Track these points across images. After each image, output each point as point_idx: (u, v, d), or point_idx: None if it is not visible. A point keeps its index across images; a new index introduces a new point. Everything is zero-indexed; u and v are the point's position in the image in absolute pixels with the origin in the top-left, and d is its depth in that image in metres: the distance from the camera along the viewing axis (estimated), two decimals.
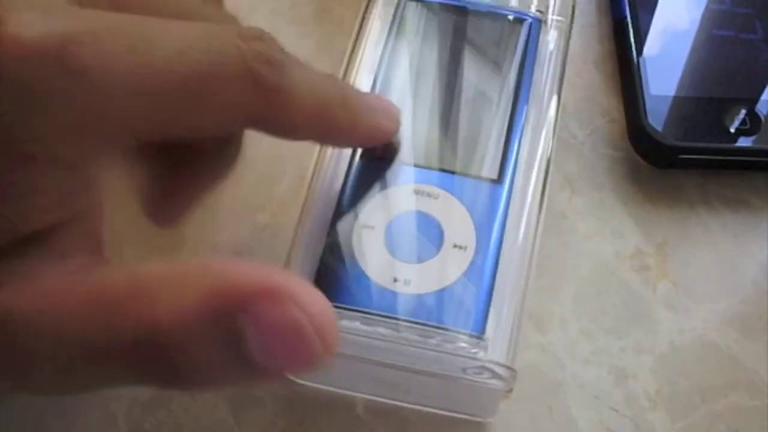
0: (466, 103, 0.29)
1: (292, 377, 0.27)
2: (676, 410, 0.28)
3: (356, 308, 0.25)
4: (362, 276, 0.25)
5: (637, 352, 0.29)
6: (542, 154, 0.28)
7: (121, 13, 0.19)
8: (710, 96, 0.33)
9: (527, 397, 0.28)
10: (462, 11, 0.31)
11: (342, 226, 0.26)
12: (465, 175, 0.27)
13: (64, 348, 0.18)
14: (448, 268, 0.25)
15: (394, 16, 0.31)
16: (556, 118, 0.29)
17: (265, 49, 0.20)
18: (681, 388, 0.28)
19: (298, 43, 0.36)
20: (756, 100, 0.33)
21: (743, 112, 0.32)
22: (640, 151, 0.33)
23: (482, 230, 0.26)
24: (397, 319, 0.24)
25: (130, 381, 0.19)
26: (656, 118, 0.32)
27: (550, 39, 0.31)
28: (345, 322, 0.24)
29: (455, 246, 0.26)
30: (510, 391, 0.24)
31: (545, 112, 0.29)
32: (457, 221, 0.26)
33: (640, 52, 0.34)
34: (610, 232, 0.32)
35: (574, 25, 0.32)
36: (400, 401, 0.27)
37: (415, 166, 0.27)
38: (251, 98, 0.20)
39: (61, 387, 0.20)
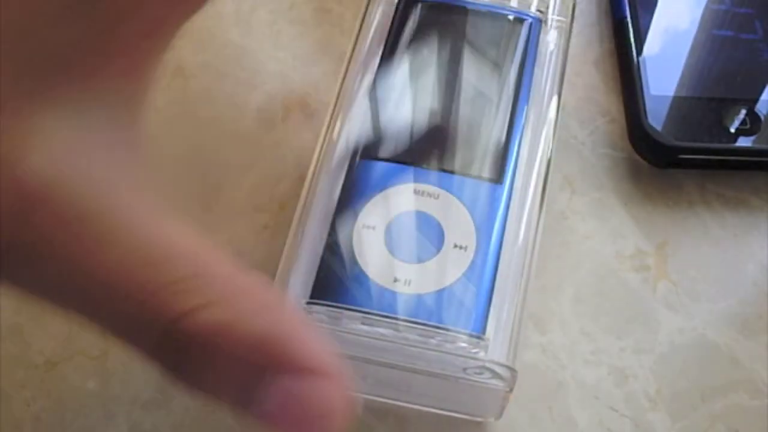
0: (466, 103, 0.29)
1: None
2: (676, 410, 0.28)
3: (356, 308, 0.25)
4: (362, 276, 0.25)
5: (637, 352, 0.29)
6: (542, 154, 0.28)
7: None
8: (710, 96, 0.33)
9: (527, 397, 0.28)
10: (462, 11, 0.31)
11: (342, 226, 0.26)
12: (465, 175, 0.27)
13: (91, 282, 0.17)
14: (449, 268, 0.25)
15: (394, 16, 0.31)
16: (556, 118, 0.29)
17: None
18: (681, 388, 0.28)
19: (298, 43, 0.36)
20: (756, 100, 0.33)
21: (743, 112, 0.32)
22: (640, 151, 0.33)
23: (482, 230, 0.26)
24: (397, 319, 0.24)
25: (131, 336, 0.18)
26: (656, 118, 0.32)
27: (550, 39, 0.31)
28: (345, 322, 0.24)
29: (455, 246, 0.26)
30: (510, 391, 0.25)
31: (545, 112, 0.29)
32: (458, 221, 0.26)
33: (640, 52, 0.34)
34: (610, 232, 0.32)
35: (574, 25, 0.32)
36: (400, 401, 0.27)
37: (415, 166, 0.27)
38: None
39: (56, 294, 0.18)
